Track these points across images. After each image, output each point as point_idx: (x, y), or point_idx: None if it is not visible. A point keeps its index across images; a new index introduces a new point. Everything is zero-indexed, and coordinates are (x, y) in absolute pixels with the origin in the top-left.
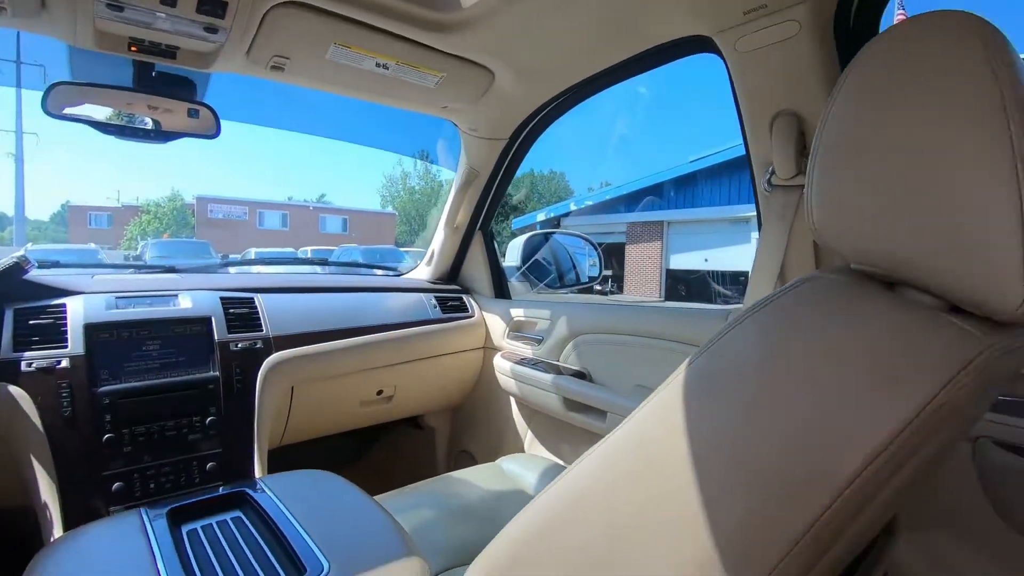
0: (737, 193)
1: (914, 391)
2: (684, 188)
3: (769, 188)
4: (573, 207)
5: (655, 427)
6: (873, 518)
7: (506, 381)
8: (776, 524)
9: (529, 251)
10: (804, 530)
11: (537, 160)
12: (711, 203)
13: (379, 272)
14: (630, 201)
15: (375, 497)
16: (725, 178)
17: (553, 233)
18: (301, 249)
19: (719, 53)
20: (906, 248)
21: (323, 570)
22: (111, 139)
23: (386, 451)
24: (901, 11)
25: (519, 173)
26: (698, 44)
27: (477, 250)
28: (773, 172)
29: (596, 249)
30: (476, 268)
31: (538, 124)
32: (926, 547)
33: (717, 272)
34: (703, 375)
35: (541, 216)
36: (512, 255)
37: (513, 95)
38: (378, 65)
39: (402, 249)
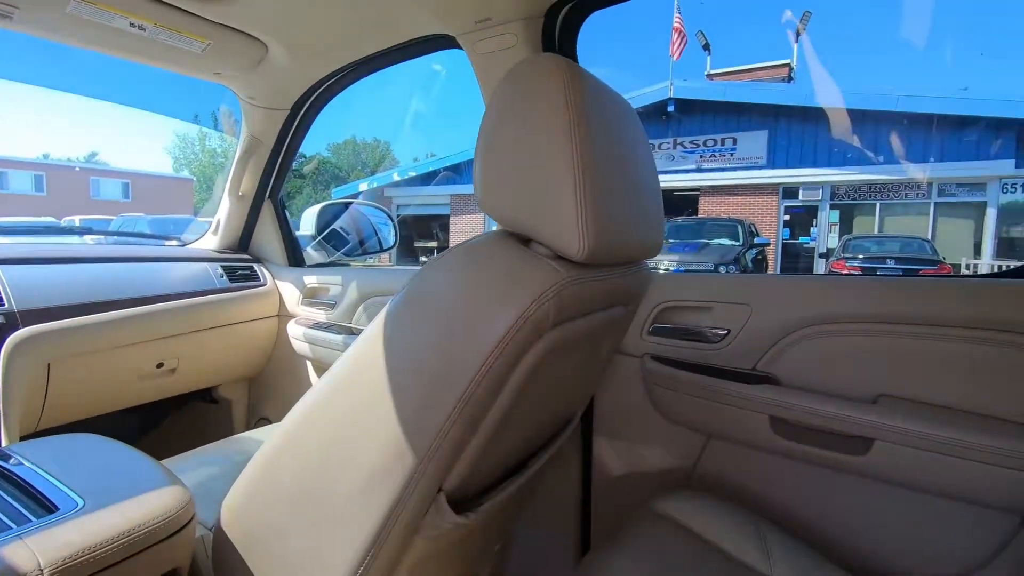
0: None
1: (517, 304)
2: None
3: None
4: (397, 177)
5: (366, 348)
6: (515, 399)
7: (300, 346)
8: (438, 402)
9: (325, 220)
10: (454, 403)
11: (360, 127)
12: None
13: (171, 243)
14: (455, 172)
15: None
16: None
17: (351, 203)
18: (67, 219)
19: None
20: (527, 217)
21: (77, 506)
22: None
23: (175, 427)
24: (678, 15)
25: (339, 140)
26: (449, 41)
27: (268, 219)
28: None
29: (392, 219)
30: (267, 237)
31: (320, 97)
32: (614, 440)
33: None
34: (399, 307)
35: (364, 186)
36: (307, 224)
37: (291, 68)
38: (132, 25)
39: (201, 219)
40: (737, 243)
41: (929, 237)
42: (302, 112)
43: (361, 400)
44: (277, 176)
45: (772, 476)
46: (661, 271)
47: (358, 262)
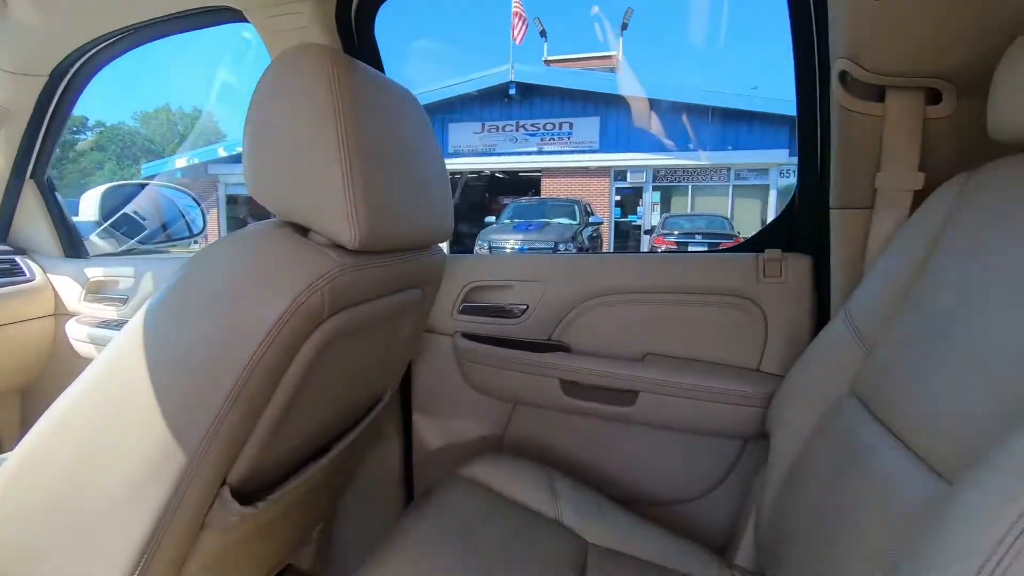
0: None
1: (287, 293)
2: None
3: None
4: (223, 152)
5: (125, 346)
6: (299, 387)
7: (84, 348)
8: (206, 396)
9: (113, 205)
10: (225, 396)
11: (174, 93)
12: None
13: None
14: None
15: None
16: None
17: (147, 184)
18: None
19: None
20: (299, 207)
21: None
22: None
23: None
24: (517, 0)
25: (151, 108)
26: (238, 14)
27: (31, 203)
28: None
29: (199, 202)
30: (33, 224)
31: (90, 63)
32: (432, 415)
33: None
34: (163, 300)
35: (182, 161)
36: (87, 209)
37: (44, 29)
38: None
39: None
40: (574, 222)
41: (729, 215)
42: (67, 79)
43: (121, 401)
44: (40, 153)
45: (564, 432)
46: (507, 250)
47: (181, 248)
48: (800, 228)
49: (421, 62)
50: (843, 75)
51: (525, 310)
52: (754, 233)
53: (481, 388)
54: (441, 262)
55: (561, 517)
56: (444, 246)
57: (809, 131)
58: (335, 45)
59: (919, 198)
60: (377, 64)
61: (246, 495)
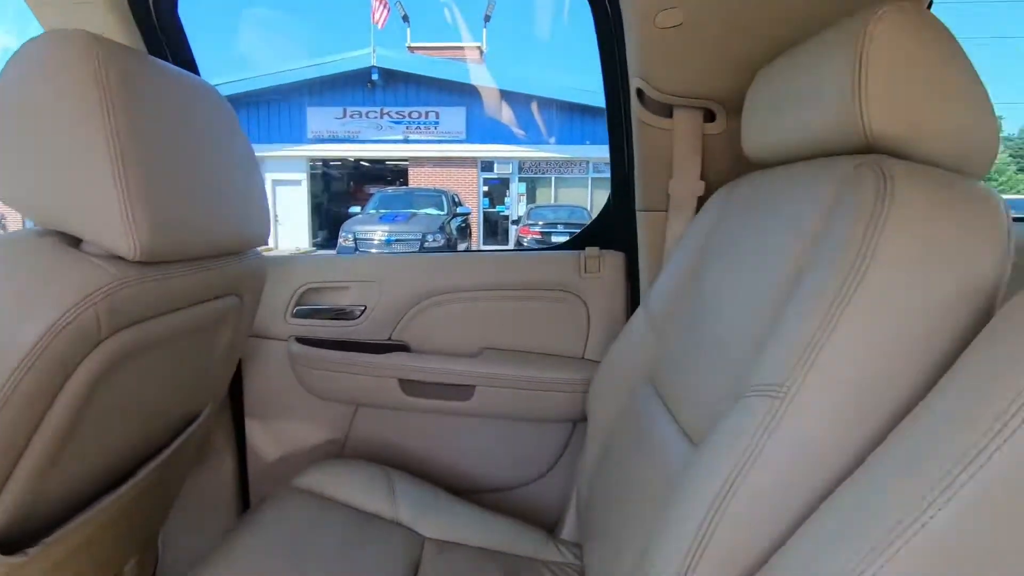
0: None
1: (47, 312)
2: None
3: None
4: None
5: None
6: (79, 416)
7: None
8: None
9: None
10: None
11: None
12: None
13: None
14: None
15: None
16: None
17: None
18: None
19: None
20: (63, 214)
21: None
22: None
23: None
24: None
25: None
26: None
27: None
28: None
29: None
30: None
31: None
32: (268, 426)
33: None
34: None
35: None
36: None
37: None
38: None
39: None
40: (442, 213)
41: (588, 206)
42: None
43: None
44: None
45: (406, 431)
46: (374, 241)
47: None
48: (615, 228)
49: (272, 37)
50: (639, 92)
51: (363, 311)
52: (578, 231)
53: (319, 393)
54: (260, 266)
55: (398, 516)
56: (305, 239)
57: (618, 140)
58: (126, 24)
59: (702, 203)
60: (181, 48)
61: (16, 542)
